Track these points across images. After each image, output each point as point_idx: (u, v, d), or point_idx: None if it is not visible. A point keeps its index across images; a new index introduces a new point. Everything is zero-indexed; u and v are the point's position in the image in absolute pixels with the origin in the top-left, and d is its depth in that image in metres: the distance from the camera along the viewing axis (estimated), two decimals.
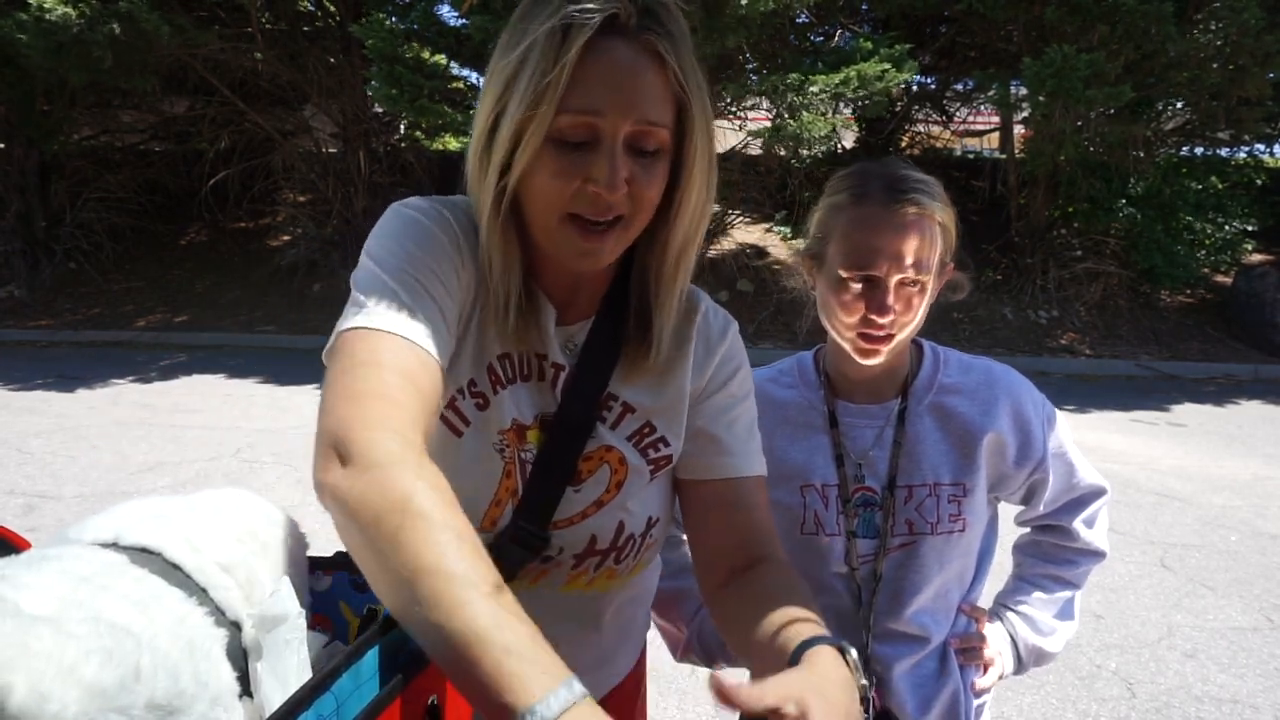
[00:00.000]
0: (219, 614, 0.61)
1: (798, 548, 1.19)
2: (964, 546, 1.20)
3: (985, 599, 1.30)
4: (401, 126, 10.68)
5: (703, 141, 0.85)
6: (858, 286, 1.10)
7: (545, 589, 0.94)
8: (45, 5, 7.10)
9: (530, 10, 0.81)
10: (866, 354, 1.13)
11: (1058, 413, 1.24)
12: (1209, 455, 5.39)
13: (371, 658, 0.59)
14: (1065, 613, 1.29)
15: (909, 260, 1.07)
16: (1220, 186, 9.43)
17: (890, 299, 1.08)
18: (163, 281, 10.22)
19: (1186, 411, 6.79)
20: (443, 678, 0.67)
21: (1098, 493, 1.25)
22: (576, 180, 0.80)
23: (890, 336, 1.11)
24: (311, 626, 0.67)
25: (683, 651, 1.31)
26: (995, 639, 1.25)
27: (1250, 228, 9.30)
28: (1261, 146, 10.10)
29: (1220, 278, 9.82)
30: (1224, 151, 9.90)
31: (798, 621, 0.79)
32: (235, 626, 0.62)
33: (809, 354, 1.28)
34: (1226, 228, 9.15)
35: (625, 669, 1.09)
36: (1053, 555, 1.29)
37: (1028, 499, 1.24)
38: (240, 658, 0.61)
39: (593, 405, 0.92)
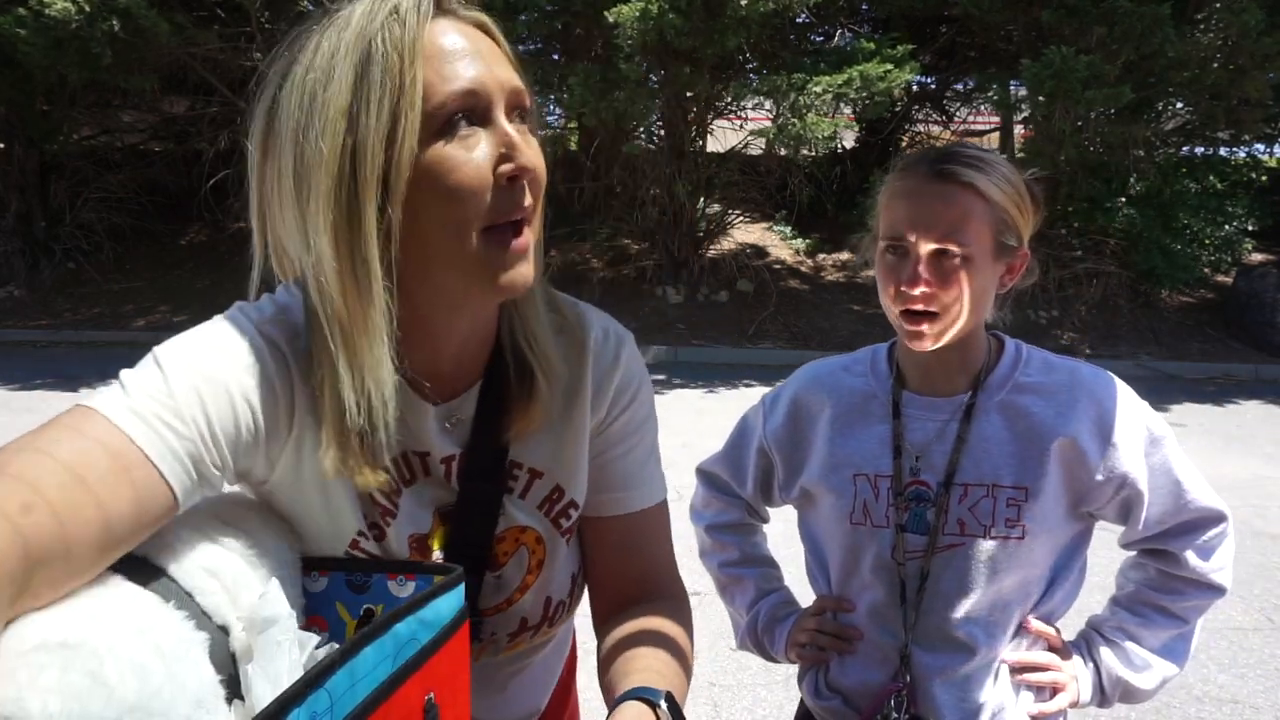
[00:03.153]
0: (202, 617, 0.61)
1: (846, 538, 1.17)
2: (1024, 556, 1.11)
3: (1069, 621, 1.19)
4: None
5: (532, 123, 0.76)
6: (892, 257, 1.07)
7: (484, 660, 0.90)
8: (45, 1, 7.10)
9: (301, 41, 0.72)
10: (910, 335, 1.08)
11: (1168, 429, 1.13)
12: (1209, 455, 5.40)
13: (368, 655, 0.59)
14: (1169, 650, 1.17)
15: (940, 229, 1.03)
16: (1219, 186, 9.42)
17: (921, 268, 1.03)
18: (163, 281, 10.21)
19: (1186, 411, 6.78)
20: (441, 675, 0.67)
21: (1215, 518, 1.13)
22: (481, 180, 0.68)
23: (931, 315, 1.05)
24: (306, 627, 0.67)
25: (741, 639, 1.33)
26: (1069, 663, 1.16)
27: (1250, 227, 9.30)
28: (1261, 147, 10.11)
29: (1220, 278, 9.81)
30: (1224, 151, 9.90)
31: (638, 672, 0.76)
32: (223, 630, 0.61)
33: (885, 345, 1.23)
34: (1226, 227, 9.14)
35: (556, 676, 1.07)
36: (1158, 583, 1.16)
37: (1123, 517, 1.13)
38: (229, 661, 0.60)
39: (496, 480, 0.83)
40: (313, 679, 0.53)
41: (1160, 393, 7.45)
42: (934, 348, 1.08)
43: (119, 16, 7.35)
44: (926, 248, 1.04)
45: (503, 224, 0.70)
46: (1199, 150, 9.82)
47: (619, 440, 0.89)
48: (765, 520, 1.35)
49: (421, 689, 0.65)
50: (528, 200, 0.71)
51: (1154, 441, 1.11)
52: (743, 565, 1.31)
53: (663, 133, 9.06)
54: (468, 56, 0.70)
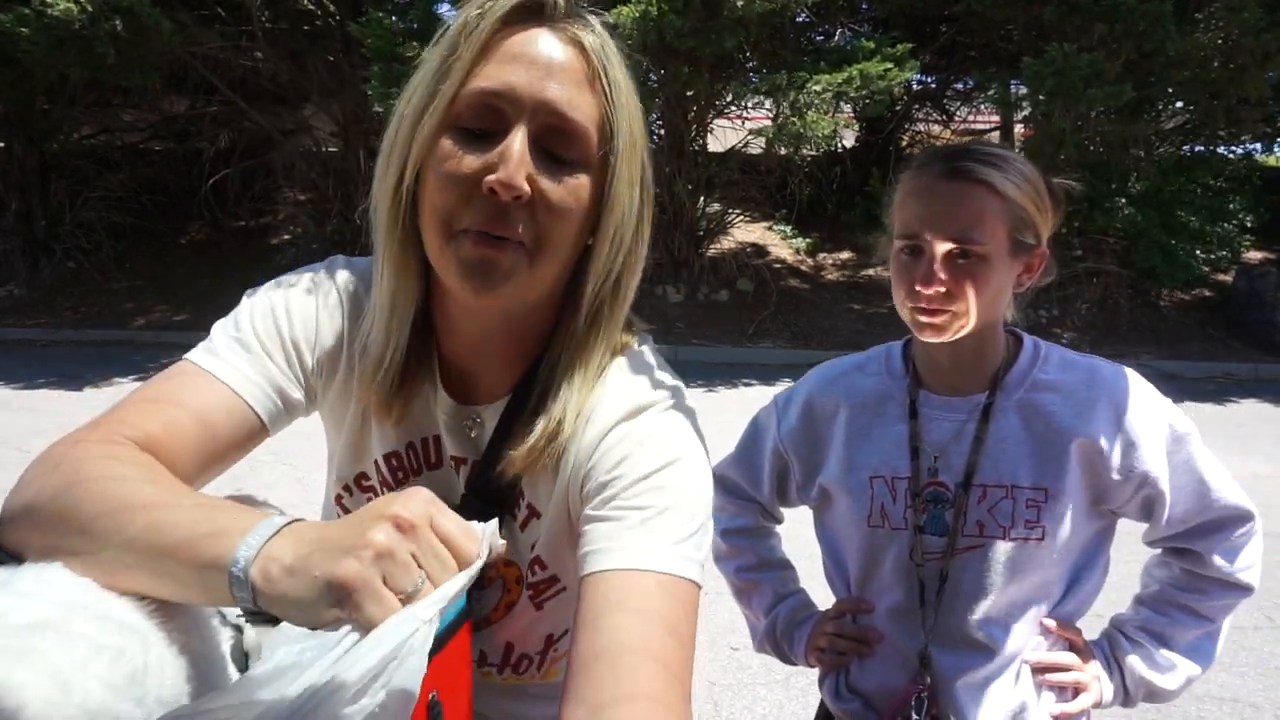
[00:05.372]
0: (221, 615, 0.61)
1: (864, 540, 1.16)
2: (1044, 557, 1.09)
3: (1090, 620, 1.18)
4: None
5: (631, 169, 0.72)
6: (906, 257, 1.06)
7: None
8: (48, 0, 7.10)
9: (455, 17, 0.73)
10: (923, 329, 1.06)
11: (1191, 426, 1.11)
12: None
13: None
14: (1194, 650, 1.15)
15: (955, 228, 1.01)
16: (1216, 184, 9.42)
17: (936, 268, 1.02)
18: (163, 280, 10.21)
19: (1186, 410, 6.70)
20: (445, 673, 0.67)
21: (1242, 517, 1.11)
22: (469, 180, 0.67)
23: (948, 313, 1.04)
24: None
25: (759, 643, 1.33)
26: (1091, 663, 1.14)
27: (1248, 224, 9.30)
28: (1258, 145, 10.10)
29: (1220, 276, 9.82)
30: (1223, 150, 9.90)
31: None
32: (237, 629, 0.62)
33: (899, 343, 1.21)
34: (1225, 225, 9.14)
35: None
36: (1183, 582, 1.14)
37: (1145, 515, 1.11)
38: (243, 660, 0.61)
39: (502, 503, 0.80)
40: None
41: (1160, 392, 7.45)
42: (945, 340, 1.07)
43: (122, 16, 7.35)
44: (942, 247, 1.02)
45: (481, 231, 0.68)
46: (1199, 149, 9.81)
47: (587, 509, 0.75)
48: (779, 522, 1.34)
49: (427, 687, 0.65)
50: (515, 221, 0.68)
51: (1177, 439, 1.09)
52: (759, 570, 1.30)
53: (663, 132, 9.06)
54: (523, 64, 0.68)
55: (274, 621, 0.55)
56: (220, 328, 0.79)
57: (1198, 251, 9.02)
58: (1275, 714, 2.63)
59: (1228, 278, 9.74)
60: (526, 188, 0.66)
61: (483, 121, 0.68)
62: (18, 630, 0.49)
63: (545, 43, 0.69)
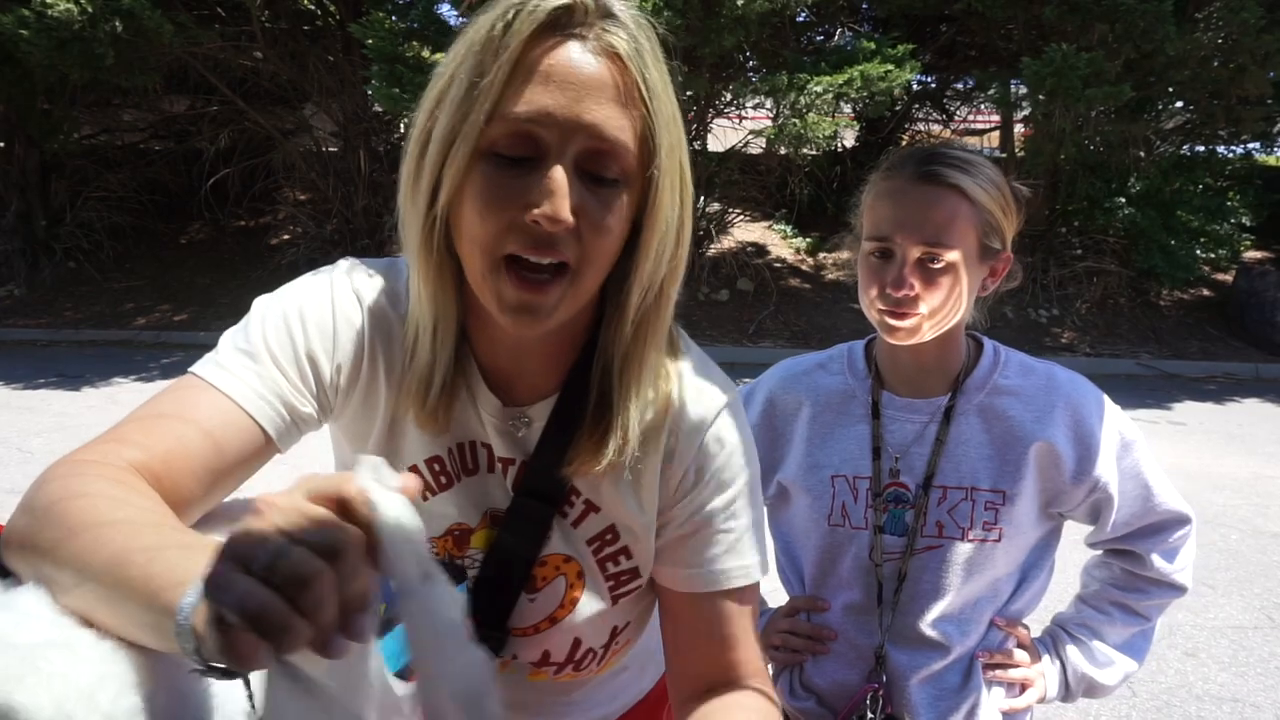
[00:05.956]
0: None
1: (823, 539, 1.17)
2: (999, 557, 1.12)
3: (1035, 618, 1.21)
4: (402, 126, 10.66)
5: (672, 177, 0.70)
6: (876, 259, 1.07)
7: (508, 676, 0.88)
8: (47, 1, 7.09)
9: (475, 20, 0.69)
10: (891, 331, 1.08)
11: (1139, 433, 1.15)
12: (1209, 454, 5.38)
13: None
14: (1130, 647, 1.20)
15: (926, 232, 1.02)
16: (1217, 184, 9.42)
17: (906, 271, 1.03)
18: (163, 280, 10.21)
19: (1186, 410, 6.78)
20: None
21: (1180, 520, 1.15)
22: (512, 209, 0.66)
23: (916, 315, 1.05)
24: None
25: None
26: (1039, 660, 1.18)
27: (1246, 221, 9.29)
28: (1257, 145, 10.10)
29: (1220, 276, 9.81)
30: (1222, 150, 9.90)
31: None
32: None
33: (861, 342, 1.23)
34: (1225, 224, 9.14)
35: (645, 689, 1.04)
36: (1122, 582, 1.19)
37: (1093, 518, 1.15)
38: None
39: (553, 500, 0.80)
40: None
41: (1160, 392, 7.45)
42: (912, 342, 1.08)
43: (122, 17, 7.35)
44: (914, 251, 1.03)
45: (523, 259, 0.67)
46: (1199, 149, 9.81)
47: (685, 519, 0.82)
48: None
49: None
50: (560, 244, 0.67)
51: (1125, 446, 1.12)
52: None
53: None
54: (557, 85, 0.65)
55: (231, 676, 0.47)
56: (229, 338, 0.76)
57: (1198, 251, 9.02)
58: (1275, 714, 2.63)
59: (1228, 278, 9.73)
60: (572, 219, 0.65)
61: (520, 149, 0.66)
62: (23, 651, 0.48)
63: (579, 58, 0.66)
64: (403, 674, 0.61)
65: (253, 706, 0.58)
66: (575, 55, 0.66)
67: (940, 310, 1.05)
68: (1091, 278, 9.25)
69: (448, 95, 0.68)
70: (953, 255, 1.03)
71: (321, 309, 0.77)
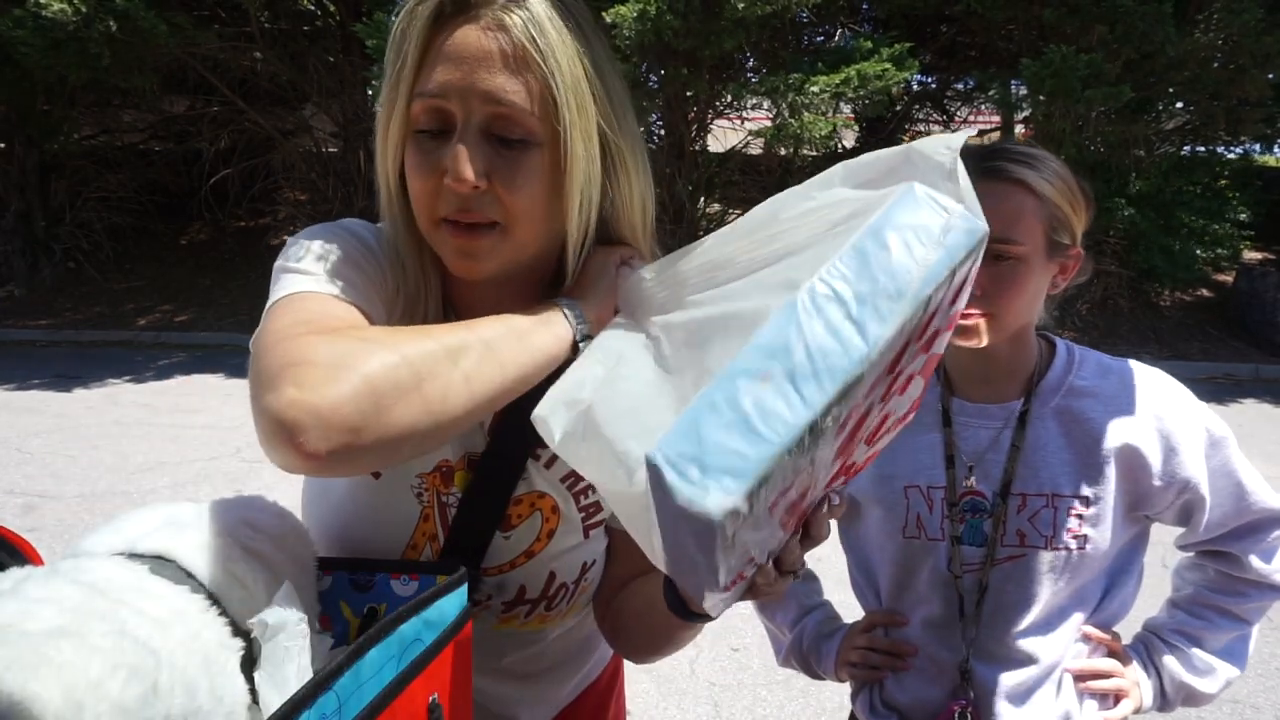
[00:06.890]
0: (234, 625, 0.61)
1: (899, 551, 1.13)
2: (1085, 565, 1.07)
3: (1126, 624, 1.16)
4: None
5: (584, 130, 0.76)
6: None
7: (476, 626, 0.90)
8: (41, 1, 7.09)
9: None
10: (959, 333, 1.02)
11: (1227, 429, 1.11)
12: None
13: (373, 656, 0.59)
14: (1230, 651, 1.13)
15: (992, 229, 0.98)
16: (1217, 184, 9.42)
17: None
18: (163, 281, 10.21)
19: None
20: (444, 675, 0.67)
21: (1277, 519, 1.09)
22: (434, 177, 0.75)
23: (985, 316, 1.01)
24: (320, 631, 0.67)
25: (784, 657, 1.29)
26: (1130, 669, 1.13)
27: (1243, 218, 9.29)
28: (1257, 146, 10.10)
29: (1220, 276, 9.81)
30: (1221, 150, 9.90)
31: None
32: (247, 637, 0.62)
33: None
34: (1225, 224, 9.14)
35: (597, 670, 1.06)
36: (1219, 585, 1.13)
37: (1183, 520, 1.10)
38: (251, 668, 0.61)
39: (524, 443, 0.85)
40: (321, 681, 0.54)
41: None
42: (981, 344, 1.03)
43: (116, 18, 7.35)
44: None
45: (455, 220, 0.76)
46: (1199, 149, 9.82)
47: None
48: None
49: (426, 690, 0.65)
50: (480, 206, 0.75)
51: (1214, 443, 1.08)
52: None
53: (663, 133, 9.06)
54: (454, 62, 0.73)
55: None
56: (294, 271, 0.77)
57: (1198, 251, 9.02)
58: (1275, 714, 2.63)
59: (1228, 278, 9.73)
60: (478, 180, 0.73)
61: (435, 123, 0.75)
62: (33, 639, 0.48)
63: (472, 36, 0.73)
64: (394, 684, 0.61)
65: (255, 701, 0.58)
66: (469, 34, 0.73)
67: (1009, 310, 1.01)
68: (1092, 278, 9.26)
69: (384, 84, 0.77)
70: (1020, 251, 0.99)
71: (359, 251, 0.82)
